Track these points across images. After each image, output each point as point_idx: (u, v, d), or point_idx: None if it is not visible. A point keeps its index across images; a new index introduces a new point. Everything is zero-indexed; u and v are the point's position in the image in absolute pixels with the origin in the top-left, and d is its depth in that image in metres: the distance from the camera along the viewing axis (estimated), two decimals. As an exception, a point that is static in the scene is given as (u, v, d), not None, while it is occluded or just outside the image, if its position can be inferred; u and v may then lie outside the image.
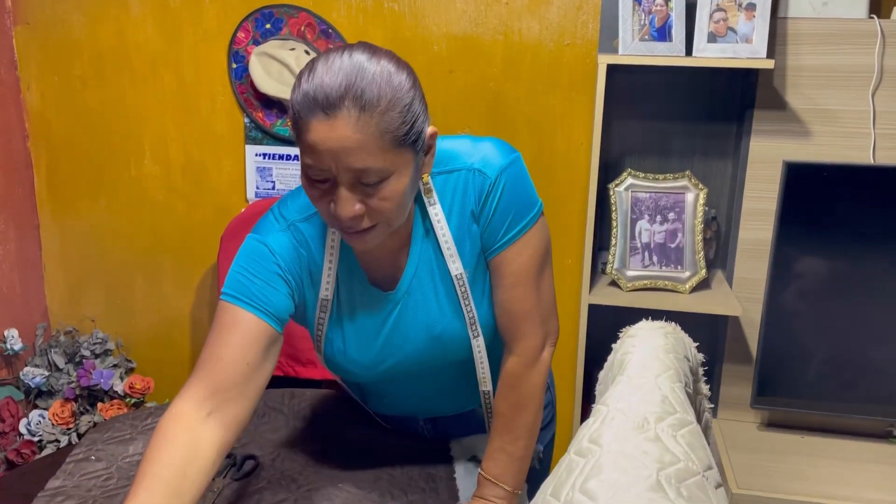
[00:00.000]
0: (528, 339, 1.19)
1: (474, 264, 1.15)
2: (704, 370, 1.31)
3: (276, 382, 1.63)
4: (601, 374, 1.27)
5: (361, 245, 1.04)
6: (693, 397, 1.15)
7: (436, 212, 1.12)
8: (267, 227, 1.12)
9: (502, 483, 1.19)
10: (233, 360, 1.03)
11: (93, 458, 1.31)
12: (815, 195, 1.85)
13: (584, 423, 0.97)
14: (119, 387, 2.24)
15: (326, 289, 1.14)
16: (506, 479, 1.20)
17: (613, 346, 1.25)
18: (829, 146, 1.91)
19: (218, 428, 1.01)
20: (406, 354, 1.18)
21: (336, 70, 0.94)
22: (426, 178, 1.09)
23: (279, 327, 1.08)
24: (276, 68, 2.09)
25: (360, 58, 0.96)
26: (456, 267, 1.13)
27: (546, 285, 1.21)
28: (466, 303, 1.15)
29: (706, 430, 1.21)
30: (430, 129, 1.04)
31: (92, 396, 2.25)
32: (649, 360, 1.07)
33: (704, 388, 1.28)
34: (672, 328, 1.25)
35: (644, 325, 1.24)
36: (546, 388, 1.27)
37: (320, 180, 0.99)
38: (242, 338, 1.04)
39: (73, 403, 2.23)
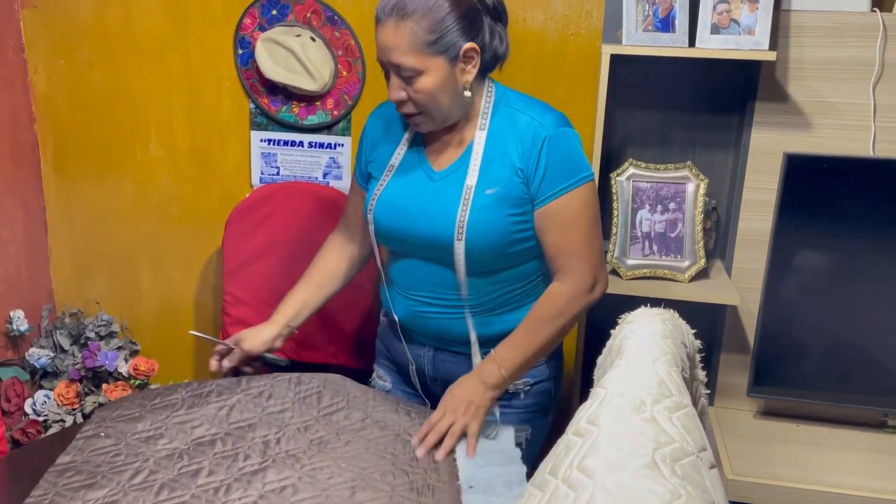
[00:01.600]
0: (577, 273, 1.42)
1: (501, 186, 1.39)
2: (702, 357, 1.33)
3: (281, 366, 1.66)
4: (599, 359, 1.30)
5: (418, 128, 1.42)
6: (690, 382, 1.18)
7: (481, 135, 1.41)
8: (380, 105, 1.58)
9: (502, 366, 1.41)
10: (353, 215, 1.63)
11: (102, 434, 1.34)
12: (814, 187, 1.87)
13: (582, 405, 1.00)
14: (123, 368, 2.26)
15: (396, 157, 1.49)
16: (506, 364, 1.42)
17: (612, 331, 1.27)
18: (830, 139, 1.93)
19: (351, 249, 1.65)
20: (418, 227, 1.43)
21: None
22: (468, 94, 1.39)
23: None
24: (282, 54, 2.10)
25: None
26: (470, 179, 1.40)
27: (596, 238, 1.44)
28: (464, 208, 1.38)
29: (702, 415, 1.23)
30: (466, 45, 1.34)
31: (97, 378, 2.27)
32: (647, 344, 1.10)
33: (701, 374, 1.31)
34: (670, 315, 1.27)
35: (642, 312, 1.27)
36: (567, 329, 1.49)
37: (385, 70, 1.37)
38: (356, 200, 1.61)
39: (78, 384, 2.25)
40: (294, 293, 1.61)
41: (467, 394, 1.40)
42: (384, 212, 1.47)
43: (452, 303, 1.48)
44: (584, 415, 0.94)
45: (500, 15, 1.42)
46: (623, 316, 1.28)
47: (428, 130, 1.42)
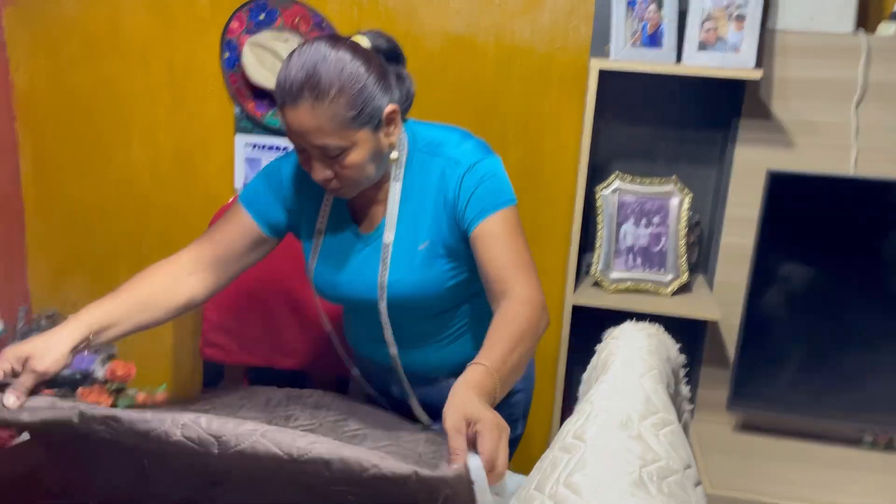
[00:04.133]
0: (521, 286, 1.26)
1: (432, 237, 1.33)
2: (685, 372, 1.34)
3: (258, 372, 1.63)
4: (585, 375, 1.29)
5: (338, 195, 1.32)
6: (674, 398, 1.18)
7: (396, 188, 1.33)
8: (289, 154, 1.41)
9: (482, 361, 1.16)
10: (221, 242, 1.37)
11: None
12: (796, 204, 1.89)
13: (568, 420, 1.00)
14: (100, 372, 2.23)
15: (321, 221, 1.39)
16: (486, 358, 1.16)
17: (597, 347, 1.27)
18: (812, 157, 1.95)
19: (194, 284, 1.35)
20: (349, 292, 1.38)
21: (301, 63, 1.18)
22: (393, 153, 1.31)
23: (270, 233, 1.39)
24: (270, 59, 2.09)
25: (322, 51, 1.19)
26: (388, 236, 1.33)
27: (528, 256, 1.32)
28: (383, 268, 1.33)
29: (685, 431, 1.24)
30: (388, 108, 1.25)
31: (72, 381, 2.23)
32: (633, 360, 1.10)
33: (685, 390, 1.31)
34: (655, 330, 1.28)
35: (628, 327, 1.27)
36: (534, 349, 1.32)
37: (300, 150, 1.26)
38: (234, 229, 1.38)
39: (53, 389, 2.21)
40: (110, 304, 1.27)
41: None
42: (323, 281, 1.41)
43: (393, 368, 1.46)
44: (570, 430, 0.93)
45: (397, 56, 1.33)
46: (608, 331, 1.28)
47: (351, 196, 1.32)
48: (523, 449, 1.62)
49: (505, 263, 1.27)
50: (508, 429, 1.01)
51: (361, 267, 1.37)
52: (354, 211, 1.39)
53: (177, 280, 1.34)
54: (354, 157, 1.23)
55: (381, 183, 1.35)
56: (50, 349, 1.18)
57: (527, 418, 1.59)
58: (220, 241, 1.38)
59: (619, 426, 0.90)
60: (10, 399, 1.12)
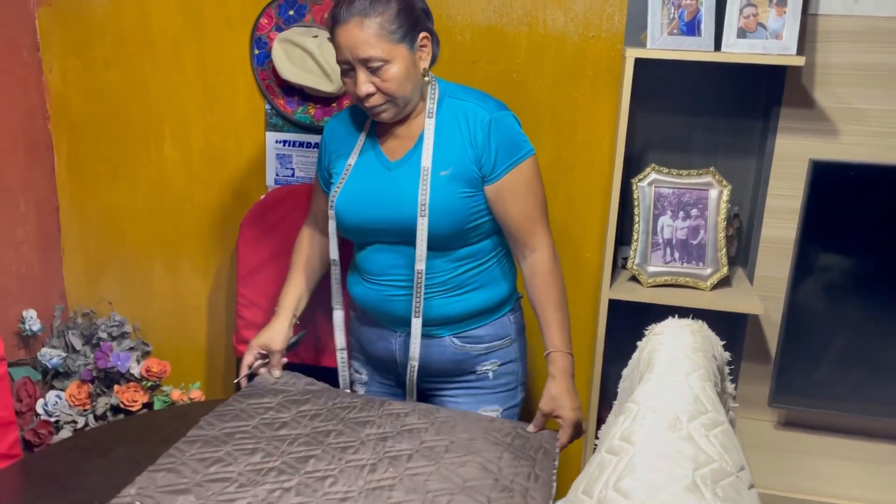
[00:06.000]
0: (545, 239, 1.58)
1: (454, 167, 1.52)
2: (730, 369, 1.30)
3: (292, 368, 1.65)
4: (625, 372, 1.27)
5: (381, 117, 1.52)
6: (720, 396, 1.15)
7: (430, 123, 1.53)
8: (334, 116, 1.70)
9: (569, 350, 1.56)
10: (319, 211, 1.73)
11: (236, 411, 1.47)
12: (840, 195, 1.83)
13: (613, 421, 0.97)
14: (136, 370, 2.24)
15: (352, 157, 1.60)
16: (568, 346, 1.57)
17: (638, 343, 1.24)
18: (857, 145, 1.89)
19: (322, 244, 1.75)
20: (380, 213, 1.55)
21: None
22: (427, 79, 1.54)
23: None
24: (299, 55, 2.08)
25: None
26: (426, 161, 1.50)
27: (544, 202, 1.59)
28: (424, 188, 1.49)
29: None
30: (421, 34, 1.49)
31: (108, 378, 2.25)
32: (679, 358, 1.07)
33: (730, 388, 1.28)
34: (699, 326, 1.24)
35: (670, 323, 1.24)
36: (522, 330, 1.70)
37: (347, 70, 1.48)
38: (321, 199, 1.71)
39: (90, 385, 2.24)
40: (290, 285, 1.74)
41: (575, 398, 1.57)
42: (346, 206, 1.58)
43: (416, 284, 1.58)
44: (617, 431, 0.91)
45: (429, 15, 1.55)
46: (650, 327, 1.25)
47: (391, 118, 1.53)
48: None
49: (531, 213, 1.55)
50: (582, 429, 1.56)
51: (392, 191, 1.53)
52: (384, 147, 1.59)
53: (314, 246, 1.76)
54: (395, 70, 1.45)
55: (405, 120, 1.56)
56: (277, 335, 1.67)
57: (524, 390, 1.72)
58: (318, 210, 1.74)
59: (667, 427, 0.87)
60: (276, 372, 1.67)
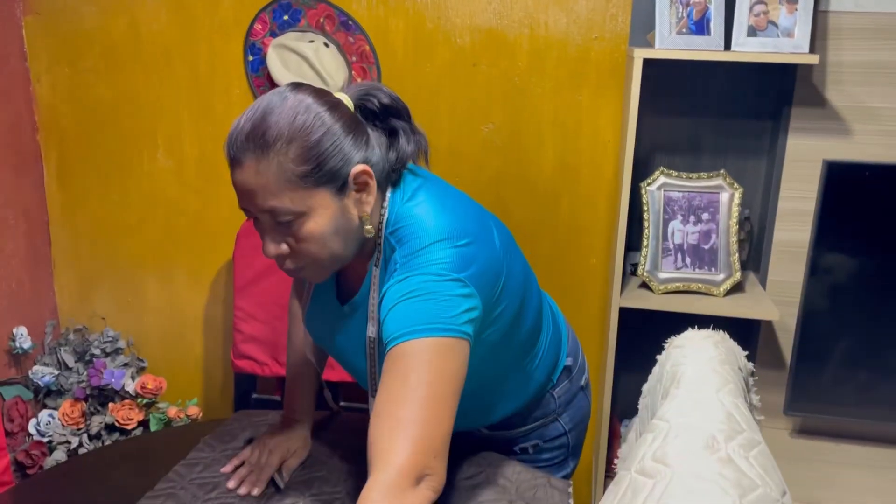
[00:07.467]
0: (397, 456, 0.89)
1: None
2: (754, 380, 1.25)
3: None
4: (646, 387, 1.21)
5: (298, 279, 1.19)
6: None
7: (377, 273, 1.09)
8: None
9: None
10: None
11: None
12: (855, 196, 1.78)
13: (642, 439, 0.91)
14: (130, 386, 2.18)
15: (308, 289, 1.24)
16: None
17: (658, 357, 1.18)
18: (871, 145, 1.84)
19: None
20: (338, 357, 1.25)
21: (251, 114, 1.00)
22: (369, 228, 1.05)
23: None
24: (295, 61, 2.02)
25: (276, 98, 1.00)
26: (371, 329, 1.09)
27: (438, 411, 0.94)
28: (371, 363, 1.10)
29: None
30: (356, 168, 1.01)
31: (102, 396, 2.19)
32: (705, 372, 1.01)
33: (755, 399, 1.22)
34: (721, 337, 1.19)
35: (691, 335, 1.18)
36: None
37: (253, 219, 1.05)
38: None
39: (84, 403, 2.17)
40: (299, 383, 1.39)
41: None
42: (310, 327, 1.27)
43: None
44: (647, 451, 0.85)
45: (398, 112, 1.08)
46: (670, 340, 1.19)
47: (320, 280, 1.11)
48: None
49: (387, 410, 0.93)
50: None
51: (346, 342, 1.18)
52: (339, 280, 1.20)
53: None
54: (311, 226, 1.00)
55: (362, 258, 1.11)
56: (295, 446, 1.34)
57: (578, 456, 1.43)
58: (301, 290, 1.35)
59: (703, 447, 0.81)
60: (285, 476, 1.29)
